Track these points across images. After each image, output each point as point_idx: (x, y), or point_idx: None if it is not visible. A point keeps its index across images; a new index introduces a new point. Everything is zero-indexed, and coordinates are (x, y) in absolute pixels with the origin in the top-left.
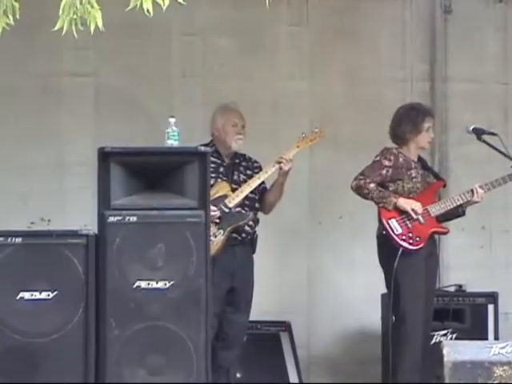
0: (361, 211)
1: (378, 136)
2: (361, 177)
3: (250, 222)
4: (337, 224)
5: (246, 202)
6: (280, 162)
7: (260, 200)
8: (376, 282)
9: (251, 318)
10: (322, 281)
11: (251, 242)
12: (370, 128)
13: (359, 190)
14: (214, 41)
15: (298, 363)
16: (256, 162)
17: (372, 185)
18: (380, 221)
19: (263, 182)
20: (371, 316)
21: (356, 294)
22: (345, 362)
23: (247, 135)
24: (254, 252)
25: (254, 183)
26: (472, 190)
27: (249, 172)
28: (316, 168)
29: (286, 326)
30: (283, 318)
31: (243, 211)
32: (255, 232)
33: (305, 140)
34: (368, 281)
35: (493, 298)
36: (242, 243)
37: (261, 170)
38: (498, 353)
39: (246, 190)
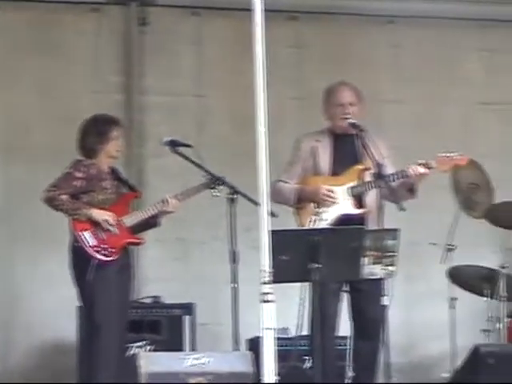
0: (56, 223)
1: (73, 148)
2: (52, 188)
3: None
4: (33, 236)
5: None
6: None
7: None
8: (73, 295)
9: None
10: (18, 293)
11: None
12: (65, 140)
13: (51, 202)
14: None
15: None
16: None
17: (64, 196)
18: (73, 232)
19: None
20: (67, 328)
21: (53, 307)
22: (41, 375)
23: None
24: None
25: None
26: (163, 200)
27: None
28: (10, 181)
29: None
30: None
31: None
32: None
33: None
34: (65, 293)
35: (189, 309)
36: None
37: None
38: (193, 364)
39: None
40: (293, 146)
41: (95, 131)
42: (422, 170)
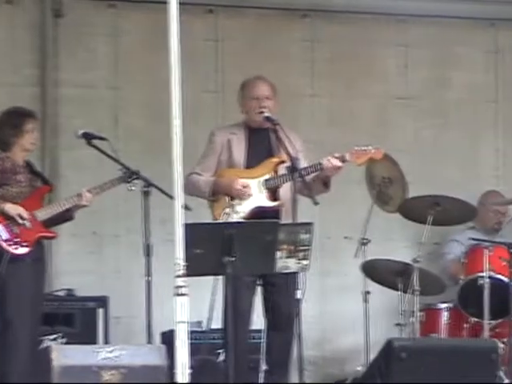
0: None
1: None
2: None
3: None
4: None
5: None
6: None
7: None
8: None
9: None
10: None
11: None
12: None
13: None
14: None
15: None
16: None
17: None
18: None
19: None
20: None
21: None
22: None
23: None
24: None
25: None
26: (78, 194)
27: None
28: None
29: None
30: None
31: None
32: None
33: None
34: None
35: (103, 302)
36: None
37: None
38: (106, 357)
39: None
40: (207, 139)
41: (9, 124)
42: (336, 162)
